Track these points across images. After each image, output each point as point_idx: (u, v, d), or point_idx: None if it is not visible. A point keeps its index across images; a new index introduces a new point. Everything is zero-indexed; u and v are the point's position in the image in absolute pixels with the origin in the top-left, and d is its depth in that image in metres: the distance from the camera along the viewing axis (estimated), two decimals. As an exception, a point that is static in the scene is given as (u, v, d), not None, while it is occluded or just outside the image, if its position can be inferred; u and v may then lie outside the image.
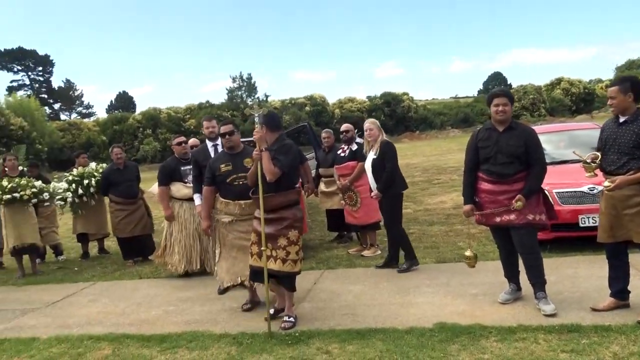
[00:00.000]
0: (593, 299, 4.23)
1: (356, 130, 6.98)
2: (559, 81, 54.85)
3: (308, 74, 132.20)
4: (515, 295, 4.45)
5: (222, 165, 4.77)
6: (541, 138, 6.88)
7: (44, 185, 7.43)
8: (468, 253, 4.59)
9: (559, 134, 7.78)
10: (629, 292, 4.08)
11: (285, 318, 4.41)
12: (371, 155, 5.84)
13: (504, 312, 4.20)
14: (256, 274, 4.49)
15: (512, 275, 4.52)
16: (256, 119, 4.43)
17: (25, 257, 7.52)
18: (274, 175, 4.26)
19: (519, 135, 4.26)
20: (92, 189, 7.84)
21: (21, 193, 7.02)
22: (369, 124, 5.94)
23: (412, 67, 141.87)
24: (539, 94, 52.21)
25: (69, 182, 7.84)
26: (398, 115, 50.79)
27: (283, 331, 4.24)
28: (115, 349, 4.25)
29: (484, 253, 5.87)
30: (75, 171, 8.04)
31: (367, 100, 51.88)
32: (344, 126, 6.94)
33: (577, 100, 53.14)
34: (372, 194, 5.85)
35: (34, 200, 7.23)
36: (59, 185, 7.75)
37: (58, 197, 7.60)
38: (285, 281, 4.44)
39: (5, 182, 7.02)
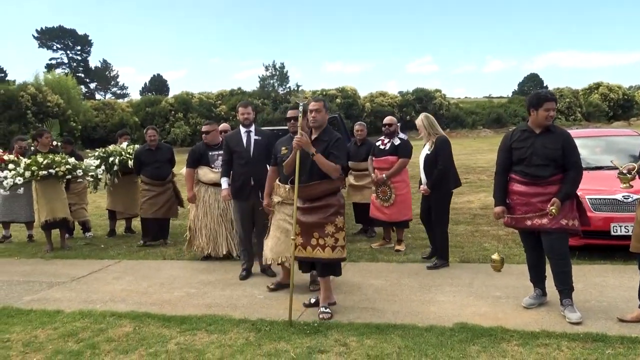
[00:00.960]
0: (620, 309, 4.12)
1: (399, 125, 6.87)
2: (597, 86, 53.47)
3: (341, 65, 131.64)
4: (540, 301, 4.36)
5: (283, 148, 4.83)
6: (577, 142, 6.77)
7: (77, 162, 7.58)
8: (495, 256, 4.51)
9: (595, 139, 7.57)
10: (661, 304, 3.96)
11: (322, 309, 4.39)
12: (425, 150, 5.79)
13: (527, 317, 4.12)
14: (305, 265, 4.58)
15: (538, 279, 4.42)
16: (300, 108, 4.42)
17: (55, 232, 7.68)
18: (338, 173, 4.33)
19: (557, 139, 4.16)
20: (115, 167, 7.93)
21: (56, 169, 7.17)
22: (417, 121, 5.91)
23: (446, 64, 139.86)
24: (575, 98, 51.06)
25: (97, 159, 7.98)
26: (429, 112, 50.13)
27: (323, 321, 4.23)
28: (137, 327, 4.31)
29: (510, 256, 5.77)
30: (103, 149, 8.17)
31: (398, 95, 51.43)
32: (387, 119, 6.78)
33: (615, 106, 51.77)
34: (421, 188, 5.81)
35: (68, 177, 7.39)
36: (91, 162, 7.87)
37: (91, 173, 7.72)
38: (331, 269, 4.47)
39: (40, 158, 7.16)
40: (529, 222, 4.22)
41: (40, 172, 7.09)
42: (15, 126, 34.20)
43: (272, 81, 49.98)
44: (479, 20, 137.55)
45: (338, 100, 46.62)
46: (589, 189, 5.61)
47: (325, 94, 47.77)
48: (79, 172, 7.49)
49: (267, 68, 50.91)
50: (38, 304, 5.10)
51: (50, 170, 7.13)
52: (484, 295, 4.67)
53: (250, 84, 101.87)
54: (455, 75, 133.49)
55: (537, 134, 4.21)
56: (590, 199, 5.61)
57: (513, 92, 72.14)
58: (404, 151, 6.44)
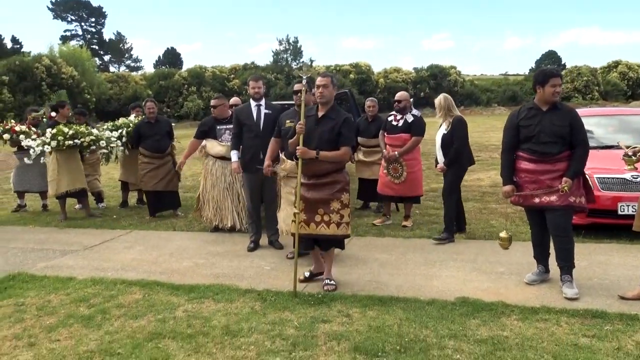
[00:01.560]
0: (622, 287, 4.16)
1: (412, 100, 6.80)
2: (616, 64, 52.48)
3: (356, 41, 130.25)
4: (542, 277, 4.41)
5: (288, 121, 4.88)
6: (590, 121, 6.77)
7: (100, 133, 7.69)
8: (503, 234, 4.54)
9: (609, 118, 7.50)
10: (662, 284, 3.99)
11: (327, 281, 4.46)
12: (442, 130, 5.88)
13: (529, 293, 4.17)
14: (307, 242, 4.51)
15: (541, 256, 4.46)
16: (304, 81, 4.43)
17: (69, 202, 7.82)
18: (348, 157, 4.46)
19: (564, 116, 4.16)
20: (123, 139, 8.00)
21: (81, 140, 7.31)
22: (436, 101, 5.95)
23: (463, 40, 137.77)
24: (593, 77, 50.20)
25: (110, 131, 8.08)
26: (444, 89, 49.44)
27: (327, 293, 4.32)
28: (146, 294, 4.44)
29: (516, 234, 5.79)
30: (112, 122, 8.27)
31: (413, 71, 50.90)
32: (399, 95, 6.66)
33: (633, 85, 50.83)
34: (438, 166, 5.91)
35: (93, 147, 7.52)
36: (112, 134, 7.95)
37: (112, 145, 7.82)
38: (335, 244, 4.52)
39: (65, 129, 7.29)
40: (537, 200, 4.24)
41: (66, 142, 7.23)
42: (30, 97, 34.48)
43: (285, 56, 49.75)
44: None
45: (352, 76, 46.31)
46: (598, 167, 5.60)
47: (339, 69, 47.45)
48: (102, 144, 7.61)
49: (280, 42, 50.67)
50: (51, 270, 5.25)
51: (76, 141, 7.28)
52: (487, 271, 4.72)
53: (264, 58, 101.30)
54: (472, 51, 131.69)
55: (545, 112, 4.20)
56: (599, 177, 5.60)
57: (530, 70, 70.95)
58: (417, 129, 6.39)
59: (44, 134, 7.38)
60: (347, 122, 4.37)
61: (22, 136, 7.73)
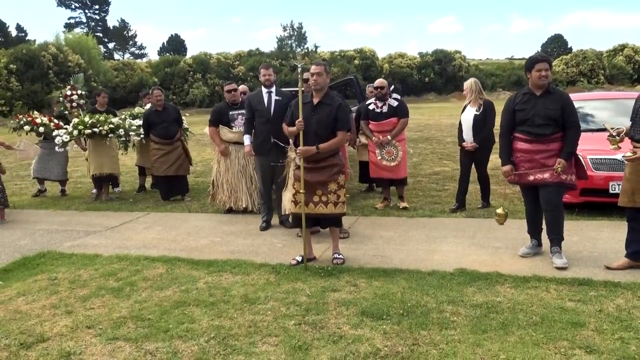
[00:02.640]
0: (609, 259, 4.49)
1: (391, 88, 7.02)
2: (622, 48, 52.24)
3: (361, 26, 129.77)
4: (535, 250, 4.75)
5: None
6: (590, 104, 7.11)
7: (120, 121, 8.06)
8: (499, 210, 4.87)
9: (605, 102, 7.77)
10: (645, 255, 4.32)
11: (336, 255, 4.81)
12: (472, 111, 6.42)
13: (522, 264, 4.52)
14: (299, 220, 4.79)
15: (534, 231, 4.80)
16: (299, 69, 4.75)
17: (86, 187, 8.19)
18: (346, 140, 4.88)
19: (557, 100, 4.48)
20: (141, 128, 8.32)
21: (100, 128, 7.72)
22: (467, 84, 6.58)
23: (469, 23, 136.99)
24: (599, 60, 50.07)
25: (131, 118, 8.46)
26: (448, 74, 49.76)
27: (335, 266, 4.66)
28: (169, 269, 4.80)
29: (513, 212, 6.14)
30: (130, 112, 8.64)
31: (417, 56, 50.86)
32: (378, 81, 6.82)
33: (639, 69, 50.67)
34: (469, 144, 6.43)
35: (111, 135, 7.91)
36: (134, 122, 8.29)
37: (131, 133, 8.17)
38: (333, 222, 4.83)
39: (87, 118, 7.74)
40: (531, 177, 4.58)
41: (85, 131, 7.67)
42: (38, 86, 34.86)
43: (290, 42, 49.77)
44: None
45: (356, 62, 46.36)
46: (591, 149, 5.90)
47: (344, 55, 47.50)
48: (121, 132, 7.97)
49: (284, 28, 50.71)
50: (78, 249, 5.63)
51: (95, 129, 7.70)
52: (485, 246, 5.06)
53: (269, 45, 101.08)
54: (479, 35, 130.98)
55: (538, 96, 4.52)
56: (592, 158, 5.91)
57: (536, 53, 70.61)
58: (403, 112, 6.68)
59: (67, 122, 7.88)
60: (342, 107, 4.71)
61: (41, 128, 8.17)
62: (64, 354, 3.30)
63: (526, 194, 4.83)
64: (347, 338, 3.33)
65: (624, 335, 3.21)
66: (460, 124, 6.67)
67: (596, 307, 3.61)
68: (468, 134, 6.48)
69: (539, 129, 4.49)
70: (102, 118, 7.81)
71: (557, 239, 4.52)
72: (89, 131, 7.68)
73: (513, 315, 3.54)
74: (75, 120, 7.81)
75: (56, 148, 8.08)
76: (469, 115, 6.48)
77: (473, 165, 6.63)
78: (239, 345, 3.30)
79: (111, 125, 7.81)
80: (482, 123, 6.34)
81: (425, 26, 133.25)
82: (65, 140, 7.87)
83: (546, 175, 4.49)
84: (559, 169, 4.38)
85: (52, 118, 8.46)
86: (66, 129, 7.87)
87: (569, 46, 66.86)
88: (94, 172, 7.99)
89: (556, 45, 69.78)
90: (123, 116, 8.60)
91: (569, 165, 4.50)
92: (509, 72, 52.38)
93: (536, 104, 4.52)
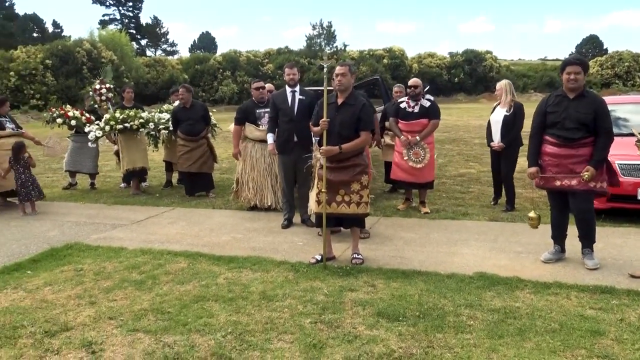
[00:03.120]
0: (635, 267, 4.40)
1: (426, 89, 6.95)
2: (660, 49, 50.79)
3: (392, 25, 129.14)
4: (558, 256, 4.68)
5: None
6: (623, 108, 7.04)
7: (150, 116, 8.23)
8: (532, 214, 4.80)
9: (636, 105, 7.61)
10: (672, 265, 4.22)
11: (355, 255, 4.83)
12: (502, 112, 6.54)
13: (544, 270, 4.46)
14: (321, 219, 4.80)
15: (559, 237, 4.73)
16: (325, 70, 4.77)
17: (114, 181, 8.38)
18: (369, 141, 4.92)
19: (589, 104, 4.38)
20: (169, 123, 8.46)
21: (130, 123, 7.92)
22: (500, 85, 6.73)
23: (501, 23, 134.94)
24: (635, 62, 48.84)
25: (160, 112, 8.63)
26: (478, 75, 49.20)
27: (354, 266, 4.68)
28: (190, 264, 4.89)
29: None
30: (164, 107, 8.81)
31: (447, 56, 50.39)
32: (412, 81, 6.72)
33: (677, 72, 49.25)
34: (497, 144, 6.55)
35: (141, 130, 8.09)
36: (162, 115, 8.45)
37: (160, 127, 8.31)
38: (355, 223, 4.84)
39: (118, 114, 7.95)
40: (558, 183, 4.52)
41: (117, 126, 7.89)
42: (72, 81, 35.74)
43: (319, 40, 49.82)
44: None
45: (385, 61, 46.21)
46: (620, 154, 5.78)
47: (372, 54, 47.38)
48: (151, 126, 8.13)
49: (314, 27, 50.77)
50: (104, 241, 5.77)
51: (126, 124, 7.92)
52: (506, 250, 5.01)
53: (298, 43, 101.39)
54: (511, 35, 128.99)
55: (571, 99, 4.44)
56: (620, 164, 5.78)
57: (570, 55, 69.30)
58: (435, 113, 6.59)
59: (97, 116, 8.14)
60: (365, 108, 4.71)
61: (73, 121, 8.41)
62: (85, 343, 3.39)
63: (552, 198, 4.76)
64: (362, 338, 3.35)
65: (645, 345, 3.15)
66: (489, 124, 6.74)
67: (617, 316, 3.55)
68: (496, 135, 6.58)
69: (569, 133, 4.42)
70: (132, 113, 7.98)
71: (588, 241, 4.51)
72: (120, 126, 7.87)
73: (531, 321, 3.50)
74: (107, 115, 8.01)
75: (89, 144, 8.31)
76: (498, 116, 6.55)
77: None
78: (255, 341, 3.34)
79: (141, 120, 7.97)
80: (512, 124, 6.42)
81: (457, 26, 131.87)
82: (98, 135, 8.11)
83: (574, 182, 4.42)
84: (587, 176, 4.31)
85: (84, 112, 8.69)
86: (98, 124, 8.07)
87: (604, 47, 65.37)
88: (128, 167, 8.21)
89: (591, 46, 68.31)
90: (152, 112, 8.77)
91: (600, 172, 4.41)
92: (541, 73, 51.54)
93: (568, 107, 4.44)
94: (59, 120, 8.50)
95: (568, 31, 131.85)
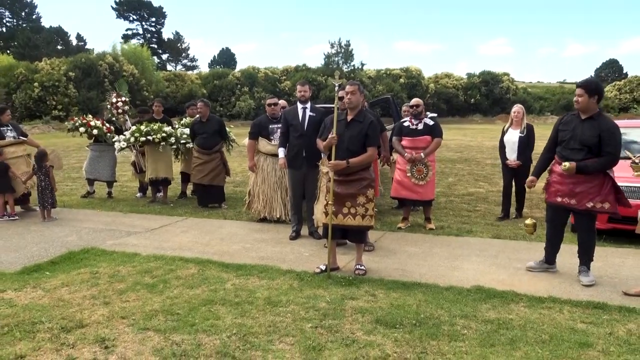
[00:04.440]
0: (629, 286, 4.51)
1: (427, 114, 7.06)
2: (679, 75, 50.53)
3: (411, 44, 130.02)
4: (542, 267, 4.94)
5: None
6: (635, 132, 7.25)
7: (172, 130, 8.54)
8: (528, 221, 5.08)
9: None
10: (665, 284, 4.34)
11: (358, 266, 5.02)
12: (517, 133, 7.26)
13: (540, 285, 4.60)
14: (336, 232, 5.00)
15: (549, 251, 4.95)
16: (336, 88, 5.00)
17: (131, 191, 8.66)
18: (374, 156, 5.07)
19: (597, 127, 4.52)
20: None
21: (153, 136, 8.26)
22: (520, 108, 7.45)
23: (521, 46, 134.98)
24: (654, 87, 48.62)
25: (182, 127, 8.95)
26: (495, 96, 49.31)
27: (357, 277, 4.86)
28: (200, 270, 5.10)
29: (540, 235, 6.16)
30: (184, 120, 9.15)
31: (464, 77, 50.59)
32: (415, 100, 6.94)
33: (697, 97, 48.89)
34: (515, 162, 7.20)
35: (163, 143, 8.41)
36: (185, 130, 8.75)
37: (182, 141, 8.59)
38: (359, 235, 5.05)
39: (142, 127, 8.31)
40: (559, 199, 4.71)
41: (140, 138, 8.25)
42: (93, 93, 36.55)
43: (336, 59, 50.30)
44: (561, 1, 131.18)
45: (402, 80, 46.52)
46: (619, 176, 5.88)
47: (389, 73, 47.77)
48: (172, 140, 8.45)
49: (332, 45, 51.23)
50: (119, 247, 6.01)
51: (148, 137, 8.25)
52: (506, 266, 5.15)
53: (317, 61, 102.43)
54: (531, 58, 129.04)
55: (582, 120, 4.62)
56: (620, 186, 5.88)
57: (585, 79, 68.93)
58: (439, 131, 6.78)
59: (116, 127, 8.53)
60: (373, 125, 4.95)
61: (95, 131, 8.79)
62: (99, 339, 3.60)
63: (550, 213, 4.91)
64: (360, 343, 3.52)
65: (630, 357, 3.28)
66: (502, 145, 7.37)
67: (607, 330, 3.68)
68: (513, 154, 7.27)
69: (571, 153, 4.59)
70: (155, 127, 8.32)
71: (586, 259, 4.67)
72: (144, 139, 8.24)
73: (523, 332, 3.65)
74: (133, 128, 8.39)
75: (115, 152, 8.79)
76: (514, 137, 7.26)
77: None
78: (258, 342, 3.53)
79: (164, 134, 8.30)
80: (526, 144, 7.20)
81: (476, 47, 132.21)
82: (123, 146, 8.54)
83: (573, 201, 4.59)
84: (564, 168, 4.53)
85: (104, 122, 9.06)
86: (124, 135, 8.49)
87: (624, 72, 65.13)
88: (151, 176, 8.50)
89: (610, 70, 68.17)
90: (176, 125, 9.08)
91: (598, 193, 4.55)
92: (558, 96, 51.45)
93: (576, 127, 4.63)
94: (82, 129, 8.85)
95: (588, 55, 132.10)
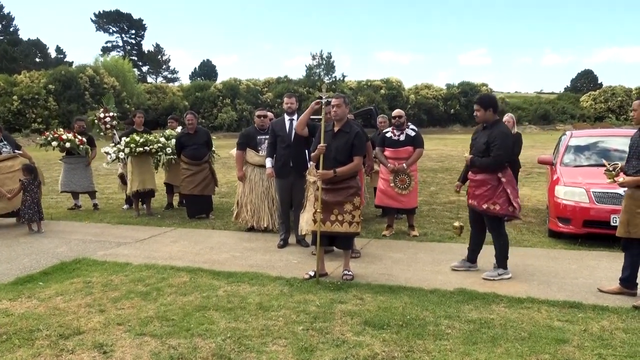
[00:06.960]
0: (603, 284, 4.77)
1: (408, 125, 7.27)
2: (652, 84, 51.89)
3: (391, 55, 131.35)
4: (465, 266, 5.39)
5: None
6: (602, 140, 7.61)
7: (167, 141, 8.65)
8: (456, 223, 5.69)
9: (619, 138, 8.04)
10: (637, 284, 4.59)
11: (346, 272, 5.20)
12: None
13: (519, 287, 4.83)
14: (324, 239, 5.19)
15: (470, 250, 5.42)
16: (323, 101, 5.21)
17: (118, 203, 8.74)
18: (360, 165, 5.28)
19: (486, 135, 5.06)
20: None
21: (150, 147, 8.34)
22: (507, 116, 7.86)
23: (500, 56, 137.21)
24: (627, 97, 49.85)
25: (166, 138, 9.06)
26: (472, 106, 50.05)
27: (345, 282, 5.05)
28: (192, 278, 5.23)
29: (520, 240, 6.59)
30: (166, 132, 9.23)
31: (444, 88, 51.32)
32: (397, 112, 7.11)
33: (669, 107, 50.21)
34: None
35: (160, 154, 8.54)
36: (168, 142, 8.84)
37: (168, 152, 8.70)
38: (346, 242, 5.25)
39: (137, 137, 8.33)
40: (469, 201, 5.26)
41: (137, 149, 8.28)
42: (74, 106, 36.29)
43: (318, 70, 50.75)
44: (539, 11, 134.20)
45: (382, 92, 47.02)
46: (594, 182, 6.20)
47: (370, 84, 48.23)
48: (168, 150, 8.56)
49: (314, 57, 51.74)
50: (110, 257, 6.11)
51: (146, 147, 8.33)
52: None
53: (298, 72, 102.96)
54: (509, 68, 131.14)
55: (482, 129, 5.18)
56: (595, 192, 6.21)
57: (565, 89, 70.51)
58: (420, 142, 7.01)
59: (89, 137, 8.64)
60: (358, 135, 5.19)
61: (67, 144, 8.91)
62: (97, 344, 3.72)
63: (470, 215, 5.44)
64: (349, 343, 3.69)
65: (603, 352, 3.50)
66: None
67: (582, 327, 3.91)
68: None
69: (472, 160, 5.13)
70: (152, 137, 8.44)
71: (499, 258, 5.14)
72: (141, 149, 8.27)
73: (503, 330, 3.85)
74: (126, 139, 8.39)
75: (104, 164, 8.93)
76: None
77: None
78: (252, 345, 3.68)
79: (159, 145, 8.42)
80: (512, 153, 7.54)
81: (456, 58, 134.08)
82: (113, 158, 8.55)
83: (475, 202, 5.15)
84: (465, 156, 5.26)
85: (76, 134, 9.12)
86: (118, 147, 8.47)
87: (599, 82, 66.65)
88: (138, 188, 8.46)
89: (586, 80, 69.66)
90: (156, 136, 9.19)
91: (491, 196, 5.01)
92: (535, 106, 52.41)
93: (477, 136, 5.21)
94: (54, 144, 8.90)
95: (565, 65, 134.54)
